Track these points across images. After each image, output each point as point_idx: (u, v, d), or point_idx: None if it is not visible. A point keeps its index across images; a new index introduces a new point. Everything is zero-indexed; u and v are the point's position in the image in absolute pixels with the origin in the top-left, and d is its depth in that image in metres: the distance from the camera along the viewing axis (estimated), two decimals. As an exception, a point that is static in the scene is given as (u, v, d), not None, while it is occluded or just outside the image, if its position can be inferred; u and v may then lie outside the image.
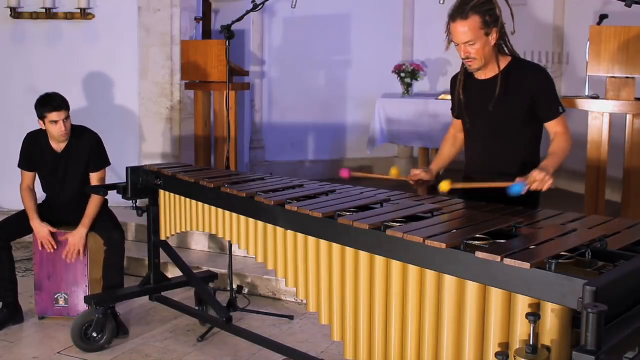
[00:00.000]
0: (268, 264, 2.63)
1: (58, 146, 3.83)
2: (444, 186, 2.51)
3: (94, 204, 3.78)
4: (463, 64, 2.70)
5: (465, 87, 2.75)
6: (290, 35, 6.97)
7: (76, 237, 3.74)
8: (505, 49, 2.66)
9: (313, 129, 7.13)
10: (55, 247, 3.75)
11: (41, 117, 3.72)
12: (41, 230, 3.74)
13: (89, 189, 3.78)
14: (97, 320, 3.47)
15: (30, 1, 5.44)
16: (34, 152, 3.86)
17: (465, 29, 2.51)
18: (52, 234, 3.75)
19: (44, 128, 3.76)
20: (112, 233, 3.76)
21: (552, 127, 2.65)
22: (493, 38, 2.56)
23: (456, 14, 2.53)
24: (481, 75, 2.69)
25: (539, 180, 2.40)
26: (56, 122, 3.69)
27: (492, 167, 2.72)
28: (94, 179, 3.88)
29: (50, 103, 3.69)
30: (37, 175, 3.92)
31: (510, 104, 2.63)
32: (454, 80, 2.84)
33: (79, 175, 3.86)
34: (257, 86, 6.89)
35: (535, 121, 2.69)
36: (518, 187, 2.38)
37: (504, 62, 2.66)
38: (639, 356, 1.62)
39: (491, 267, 1.72)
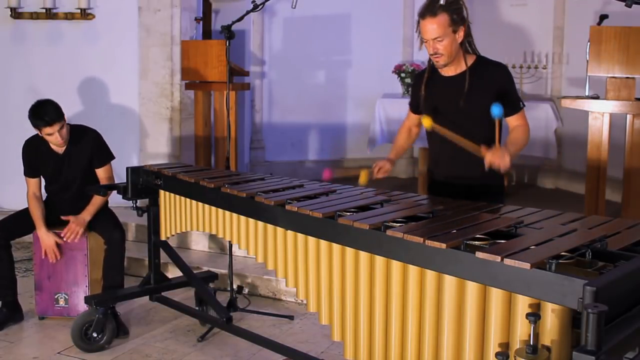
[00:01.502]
0: (268, 264, 2.63)
1: (59, 148, 3.83)
2: (427, 122, 2.73)
3: (99, 197, 3.80)
4: (429, 62, 2.85)
5: (429, 83, 2.87)
6: (290, 35, 6.97)
7: (79, 220, 3.75)
8: (469, 48, 2.81)
9: (313, 129, 7.14)
10: (59, 257, 3.75)
11: (36, 128, 3.71)
12: (47, 239, 3.73)
13: (89, 189, 3.78)
14: (97, 320, 3.47)
15: (30, 1, 5.44)
16: (35, 158, 3.85)
17: (434, 25, 2.67)
18: (58, 245, 3.75)
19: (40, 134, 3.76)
20: (113, 233, 3.77)
21: (513, 121, 2.80)
22: (460, 36, 2.72)
23: (426, 12, 2.69)
24: (447, 72, 2.82)
25: (499, 156, 2.51)
26: (51, 134, 3.68)
27: (458, 160, 2.83)
28: (101, 174, 3.88)
29: (42, 117, 3.62)
30: (42, 179, 3.91)
31: (476, 100, 2.74)
32: (418, 76, 2.99)
33: (82, 174, 3.86)
34: (257, 86, 6.89)
35: None
36: (497, 109, 2.52)
37: (470, 59, 2.80)
38: (639, 356, 1.62)
39: (491, 267, 1.73)
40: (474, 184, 2.79)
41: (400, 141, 3.18)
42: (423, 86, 2.88)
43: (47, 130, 3.66)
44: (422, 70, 2.98)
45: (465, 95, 2.75)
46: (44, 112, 3.63)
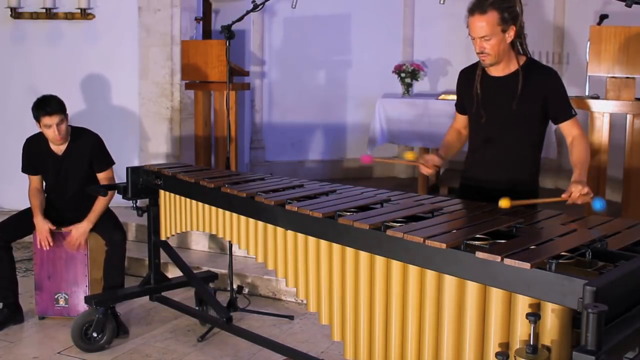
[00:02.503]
0: (268, 264, 2.63)
1: (58, 149, 3.83)
2: (504, 203, 2.37)
3: (101, 201, 3.79)
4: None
5: (482, 83, 2.72)
6: (290, 35, 6.96)
7: (79, 230, 3.74)
8: (520, 48, 2.67)
9: (313, 129, 7.13)
10: (51, 244, 3.75)
11: (36, 119, 3.72)
12: (42, 226, 3.74)
13: (89, 189, 3.78)
14: (97, 320, 3.47)
15: (30, 1, 5.44)
16: (34, 157, 3.86)
17: (482, 23, 2.52)
18: (53, 233, 3.75)
19: (40, 130, 3.76)
20: (113, 233, 3.77)
21: (568, 128, 2.65)
22: (510, 35, 2.58)
23: (475, 8, 2.54)
24: (494, 72, 2.68)
25: (583, 194, 2.38)
26: (49, 126, 3.68)
27: (499, 163, 2.72)
28: (102, 179, 3.88)
29: (44, 107, 3.66)
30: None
31: (526, 102, 2.63)
32: (464, 74, 2.83)
33: (80, 176, 3.86)
34: (257, 86, 6.89)
35: (543, 125, 2.71)
36: (599, 203, 2.33)
37: (520, 60, 2.67)
38: (639, 356, 1.62)
39: (491, 267, 1.73)
40: (507, 189, 2.56)
41: (450, 140, 2.95)
42: (479, 85, 2.71)
43: (46, 120, 3.66)
44: (468, 68, 2.82)
45: (518, 98, 2.61)
46: (47, 103, 3.69)
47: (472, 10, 2.55)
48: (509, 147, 2.71)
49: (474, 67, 2.78)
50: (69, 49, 5.50)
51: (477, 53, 2.62)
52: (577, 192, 2.38)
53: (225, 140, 4.46)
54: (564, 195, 2.41)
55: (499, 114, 2.68)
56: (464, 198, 2.67)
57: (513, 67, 2.66)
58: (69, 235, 3.75)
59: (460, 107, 2.89)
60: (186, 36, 5.56)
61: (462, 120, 2.92)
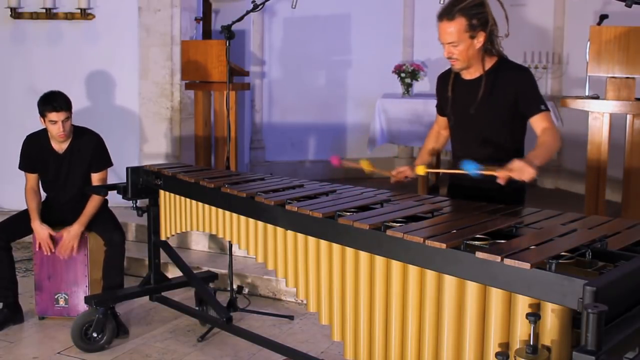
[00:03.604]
0: (268, 264, 2.63)
1: (59, 147, 3.83)
2: (420, 170, 2.68)
3: (93, 203, 3.78)
4: None
5: (453, 85, 2.76)
6: (290, 35, 6.97)
7: (71, 234, 3.73)
8: (493, 49, 2.66)
9: (313, 129, 7.13)
10: (53, 249, 3.75)
11: (42, 114, 3.72)
12: (41, 231, 3.73)
13: (89, 189, 3.79)
14: (97, 320, 3.47)
15: (30, 1, 5.44)
16: (34, 154, 3.85)
17: (450, 29, 2.54)
18: (51, 237, 3.75)
19: (44, 126, 3.76)
20: (113, 234, 3.76)
21: (538, 122, 2.60)
22: (479, 41, 2.57)
23: (443, 14, 2.56)
24: (466, 75, 2.71)
25: (517, 169, 2.32)
26: (54, 122, 3.69)
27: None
28: (95, 179, 3.88)
29: (51, 102, 3.68)
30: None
31: (494, 105, 2.64)
32: (442, 77, 2.86)
33: (80, 176, 3.86)
34: (257, 86, 6.89)
35: (518, 121, 2.68)
36: (471, 166, 2.33)
37: (490, 62, 2.66)
38: (639, 356, 1.62)
39: (491, 267, 1.72)
40: (488, 187, 2.53)
41: (428, 147, 3.03)
42: (450, 88, 2.75)
43: (52, 116, 3.67)
44: (446, 71, 2.84)
45: (477, 104, 2.64)
46: (54, 98, 3.69)
47: (441, 16, 2.57)
48: (478, 150, 2.69)
49: (450, 69, 2.80)
50: (69, 49, 5.50)
51: (447, 58, 2.64)
52: (515, 164, 2.31)
53: (225, 140, 4.46)
54: (499, 172, 2.34)
55: (464, 116, 2.72)
56: (453, 198, 2.70)
57: (481, 71, 2.66)
58: (61, 240, 3.74)
59: (440, 109, 2.94)
60: (186, 36, 5.56)
61: (442, 121, 2.96)
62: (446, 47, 2.59)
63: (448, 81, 2.77)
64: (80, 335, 3.47)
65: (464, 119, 2.72)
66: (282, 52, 6.98)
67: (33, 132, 3.89)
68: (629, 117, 3.81)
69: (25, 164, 3.88)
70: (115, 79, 5.56)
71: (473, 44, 2.57)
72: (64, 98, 3.73)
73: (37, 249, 3.77)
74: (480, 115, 2.66)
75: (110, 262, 3.74)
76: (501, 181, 2.35)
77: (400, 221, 2.17)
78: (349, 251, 2.18)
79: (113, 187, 3.73)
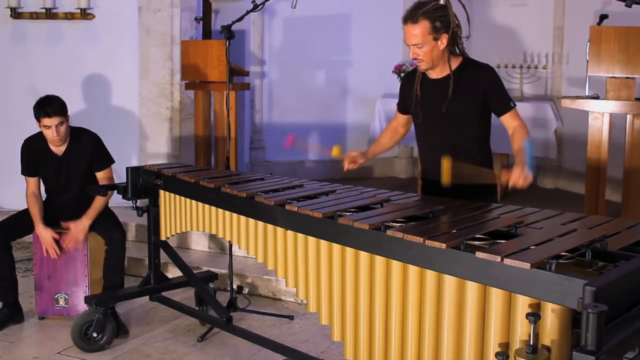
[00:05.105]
0: (268, 264, 2.63)
1: (57, 149, 3.82)
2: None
3: (101, 198, 3.79)
4: None
5: (422, 84, 2.84)
6: (290, 35, 6.96)
7: (79, 227, 3.73)
8: (457, 50, 2.77)
9: (313, 129, 7.13)
10: (59, 253, 3.75)
11: (36, 119, 3.71)
12: (45, 236, 3.73)
13: (88, 189, 3.78)
14: (97, 320, 3.47)
15: (30, 1, 5.44)
16: (33, 157, 3.85)
17: (414, 31, 2.67)
18: (55, 240, 3.75)
19: (40, 129, 3.76)
20: (113, 233, 3.76)
21: (509, 120, 2.74)
22: (442, 43, 2.69)
23: (408, 17, 2.70)
24: (433, 75, 2.80)
25: (521, 176, 2.43)
26: (48, 127, 3.67)
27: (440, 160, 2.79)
28: (101, 178, 3.87)
29: (44, 108, 3.65)
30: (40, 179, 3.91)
31: (462, 103, 2.73)
32: (407, 77, 2.96)
33: (81, 176, 3.86)
34: (257, 86, 6.89)
35: (485, 119, 2.80)
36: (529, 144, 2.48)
37: (455, 62, 2.77)
38: (639, 356, 1.62)
39: (491, 267, 1.73)
40: (459, 183, 2.64)
41: (382, 140, 3.15)
42: (418, 86, 2.83)
43: (46, 121, 3.65)
44: (411, 71, 2.96)
45: (448, 102, 2.72)
46: (48, 103, 3.67)
47: (405, 20, 2.71)
48: (448, 147, 2.74)
49: (416, 69, 2.89)
50: (69, 49, 5.50)
51: (412, 59, 2.75)
52: (517, 173, 2.44)
53: (225, 140, 4.47)
54: (504, 178, 2.49)
55: (433, 114, 2.80)
56: (425, 193, 2.82)
57: (447, 70, 2.76)
58: (68, 233, 3.74)
59: (402, 107, 3.01)
60: (186, 36, 5.56)
61: (401, 119, 3.06)
62: (412, 48, 2.72)
63: (414, 80, 2.86)
64: (80, 335, 3.47)
65: (433, 117, 2.80)
66: (282, 52, 6.98)
67: (30, 135, 3.88)
68: (629, 117, 3.81)
69: (26, 168, 3.88)
70: (115, 79, 5.55)
71: (437, 45, 2.68)
72: (59, 102, 3.70)
73: (44, 254, 3.76)
74: (451, 112, 2.74)
75: (110, 261, 3.74)
76: (510, 186, 2.48)
77: (400, 221, 2.17)
78: (349, 251, 2.18)
79: (113, 187, 3.73)
